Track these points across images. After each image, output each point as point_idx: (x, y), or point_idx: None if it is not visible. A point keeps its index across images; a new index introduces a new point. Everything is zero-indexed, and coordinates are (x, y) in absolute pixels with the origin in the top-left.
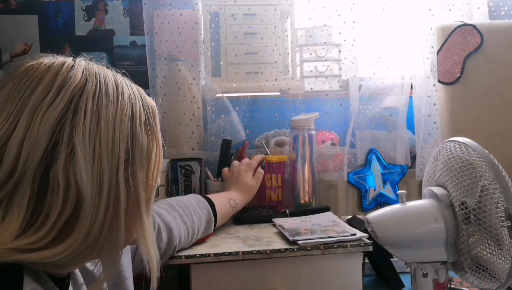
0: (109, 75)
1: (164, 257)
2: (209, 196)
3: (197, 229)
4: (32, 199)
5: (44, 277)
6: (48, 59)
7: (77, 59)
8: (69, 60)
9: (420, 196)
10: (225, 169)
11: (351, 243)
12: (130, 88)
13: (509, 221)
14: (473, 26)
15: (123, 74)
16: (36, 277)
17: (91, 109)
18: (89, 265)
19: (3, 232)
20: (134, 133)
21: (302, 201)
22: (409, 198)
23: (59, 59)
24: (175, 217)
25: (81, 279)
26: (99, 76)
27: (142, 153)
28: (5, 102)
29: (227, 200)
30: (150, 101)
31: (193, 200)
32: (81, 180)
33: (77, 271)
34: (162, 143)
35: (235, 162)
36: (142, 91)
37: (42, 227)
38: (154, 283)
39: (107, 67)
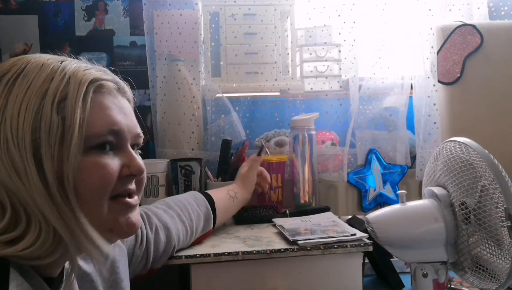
0: (44, 60)
1: (163, 257)
2: (209, 191)
3: (195, 227)
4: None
5: (31, 272)
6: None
7: (33, 54)
8: (24, 56)
9: (420, 196)
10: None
11: (351, 243)
12: (64, 68)
13: (509, 221)
14: (473, 26)
15: (92, 62)
16: (22, 272)
17: (1, 93)
18: (86, 268)
19: None
20: (40, 112)
21: (302, 201)
22: (409, 198)
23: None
24: (172, 216)
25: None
26: (30, 62)
27: (51, 134)
28: None
29: (226, 192)
30: (94, 75)
31: (191, 198)
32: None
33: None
34: (149, 140)
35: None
36: (94, 68)
37: (14, 223)
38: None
39: (67, 57)
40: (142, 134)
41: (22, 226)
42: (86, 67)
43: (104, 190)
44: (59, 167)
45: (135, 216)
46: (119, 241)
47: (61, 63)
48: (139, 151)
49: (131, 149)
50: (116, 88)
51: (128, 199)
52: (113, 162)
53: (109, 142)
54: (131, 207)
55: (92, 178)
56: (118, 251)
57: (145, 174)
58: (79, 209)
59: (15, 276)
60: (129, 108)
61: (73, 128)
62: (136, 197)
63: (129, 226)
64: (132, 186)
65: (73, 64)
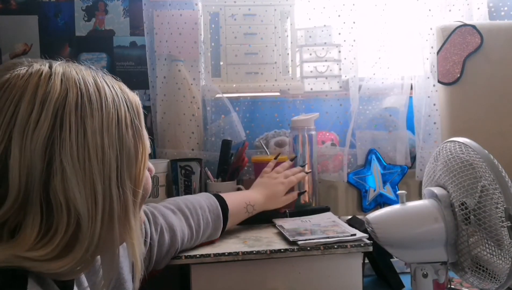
0: (89, 79)
1: (166, 259)
2: (227, 195)
3: (202, 233)
4: (43, 218)
5: (47, 281)
6: (24, 69)
7: (54, 66)
8: (45, 68)
9: (420, 197)
10: (270, 165)
11: (351, 244)
12: (112, 89)
13: (509, 222)
14: (473, 26)
15: (102, 71)
16: (39, 280)
17: (75, 122)
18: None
19: (15, 245)
20: (121, 138)
21: (302, 202)
22: (409, 198)
23: (34, 68)
24: (180, 219)
25: (85, 282)
26: (79, 83)
27: (130, 157)
28: None
29: (244, 205)
30: (134, 98)
31: (204, 203)
32: (75, 198)
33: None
34: (150, 140)
35: (281, 167)
36: (124, 87)
37: (51, 243)
38: (137, 283)
39: (86, 67)
40: None
41: (71, 247)
42: (128, 88)
43: (149, 193)
44: (134, 191)
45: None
46: None
47: (108, 85)
48: None
49: None
50: None
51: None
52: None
53: None
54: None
55: (149, 185)
56: (122, 252)
57: None
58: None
59: (32, 286)
60: None
61: (144, 148)
62: None
63: (140, 224)
64: None
65: (115, 84)
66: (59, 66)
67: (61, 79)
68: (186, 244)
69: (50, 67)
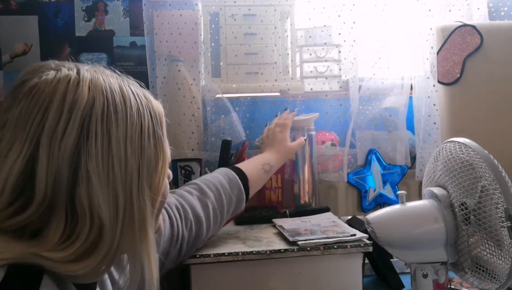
0: (115, 88)
1: (192, 251)
2: (242, 164)
3: (226, 212)
4: (67, 223)
5: (64, 281)
6: (52, 75)
7: (81, 71)
8: (73, 74)
9: (420, 197)
10: (266, 130)
11: (351, 244)
12: (137, 97)
13: (509, 222)
14: (473, 26)
15: (127, 77)
16: (55, 279)
17: (101, 132)
18: (115, 274)
19: (36, 245)
20: (143, 148)
21: (302, 202)
22: (409, 198)
23: (63, 73)
24: (206, 205)
25: (109, 285)
26: (106, 91)
27: (150, 167)
28: (17, 129)
29: (261, 166)
30: (157, 106)
31: (224, 180)
32: (99, 206)
33: (106, 277)
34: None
35: (272, 123)
36: (148, 95)
37: (71, 246)
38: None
39: (112, 73)
40: None
41: (91, 252)
42: (151, 95)
43: (167, 201)
44: (154, 194)
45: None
46: None
47: (133, 93)
48: None
49: None
50: None
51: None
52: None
53: None
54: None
55: (166, 194)
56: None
57: None
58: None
59: (46, 283)
60: None
61: (165, 161)
62: None
63: (160, 227)
64: None
65: (140, 92)
66: (86, 72)
67: (89, 87)
68: (213, 229)
69: (78, 73)
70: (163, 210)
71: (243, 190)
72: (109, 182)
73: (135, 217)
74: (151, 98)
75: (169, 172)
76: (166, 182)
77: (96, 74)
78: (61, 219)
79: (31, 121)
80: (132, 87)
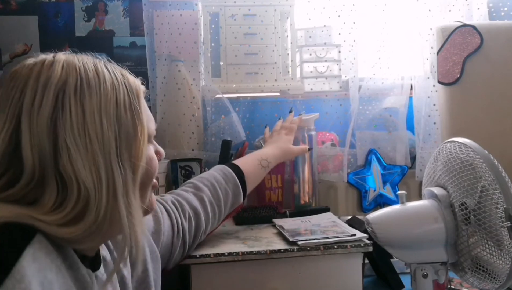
0: (89, 65)
1: (195, 243)
2: (239, 160)
3: (224, 206)
4: (59, 191)
5: (61, 245)
6: (32, 60)
7: (58, 55)
8: (49, 57)
9: (420, 197)
10: (267, 130)
11: (351, 244)
12: (112, 74)
13: (509, 222)
14: (473, 26)
15: (108, 60)
16: (48, 238)
17: (75, 104)
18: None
19: (32, 209)
20: (119, 118)
21: (302, 202)
22: (409, 198)
23: (40, 58)
24: (202, 199)
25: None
26: (79, 68)
27: (128, 136)
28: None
29: (258, 161)
30: (134, 82)
31: (219, 175)
32: (81, 174)
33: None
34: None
35: (278, 125)
36: (126, 72)
37: (63, 211)
38: (139, 265)
39: (91, 56)
40: None
41: (81, 217)
42: (128, 73)
43: (153, 178)
44: (134, 168)
45: (153, 195)
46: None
47: (109, 70)
48: None
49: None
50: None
51: (155, 181)
52: (153, 153)
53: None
54: (154, 189)
55: (152, 166)
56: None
57: None
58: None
59: (39, 240)
60: None
61: (143, 133)
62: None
63: (151, 205)
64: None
65: (117, 70)
66: (62, 55)
67: (62, 66)
68: (212, 222)
69: (54, 56)
70: (159, 204)
71: (239, 184)
72: (88, 151)
73: (116, 183)
74: (129, 75)
75: (160, 149)
76: (151, 155)
77: (71, 56)
78: (53, 188)
79: (10, 101)
80: (108, 66)
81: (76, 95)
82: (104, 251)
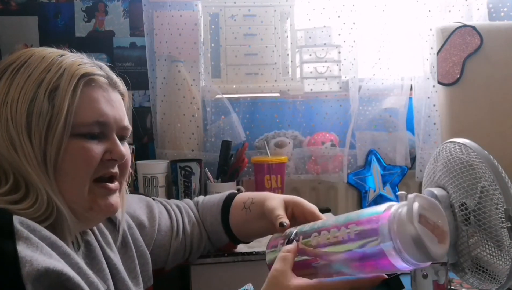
0: (43, 52)
1: (198, 252)
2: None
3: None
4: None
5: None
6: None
7: (33, 47)
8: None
9: None
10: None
11: None
12: (56, 59)
13: (509, 222)
14: (473, 27)
15: (89, 56)
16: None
17: (5, 81)
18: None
19: None
20: (34, 98)
21: None
22: None
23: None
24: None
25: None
26: (31, 54)
27: (41, 116)
28: None
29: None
30: (78, 71)
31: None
32: (3, 150)
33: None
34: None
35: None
36: (80, 61)
37: (6, 187)
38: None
39: (65, 50)
40: (129, 127)
41: (22, 192)
42: (82, 62)
43: (86, 170)
44: (45, 147)
45: (114, 199)
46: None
47: (60, 57)
48: (133, 145)
49: (115, 138)
50: (107, 83)
51: (108, 184)
52: (97, 147)
53: (95, 131)
54: (110, 191)
55: (76, 159)
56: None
57: (128, 160)
58: (60, 185)
59: (16, 218)
60: (119, 101)
61: (60, 115)
62: (116, 183)
63: (107, 207)
64: (115, 169)
65: (70, 58)
66: (43, 47)
67: (25, 51)
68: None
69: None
70: (162, 206)
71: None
72: (2, 124)
73: (27, 157)
74: (78, 63)
75: (118, 149)
76: (83, 144)
77: (43, 48)
78: (1, 174)
79: None
80: (68, 54)
81: (12, 73)
82: (89, 237)
